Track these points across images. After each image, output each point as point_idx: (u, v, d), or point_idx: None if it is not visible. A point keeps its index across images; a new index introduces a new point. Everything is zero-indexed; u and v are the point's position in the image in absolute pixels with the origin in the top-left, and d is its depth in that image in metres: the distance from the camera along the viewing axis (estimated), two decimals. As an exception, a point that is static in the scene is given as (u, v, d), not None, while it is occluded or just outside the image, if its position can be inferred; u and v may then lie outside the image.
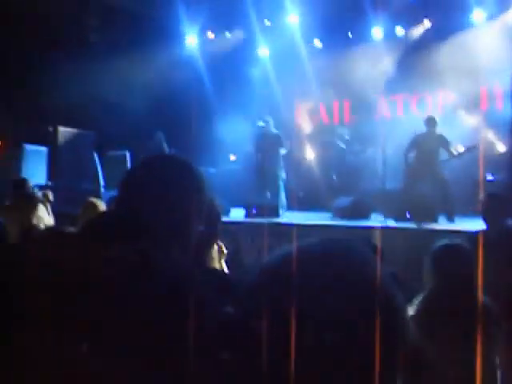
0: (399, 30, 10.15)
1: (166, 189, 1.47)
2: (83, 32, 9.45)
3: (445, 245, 3.18)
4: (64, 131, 9.40)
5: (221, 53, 10.83)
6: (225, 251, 3.12)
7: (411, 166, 7.94)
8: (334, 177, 9.46)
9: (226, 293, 1.41)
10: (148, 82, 9.67)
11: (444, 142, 7.77)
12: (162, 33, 9.63)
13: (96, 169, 9.26)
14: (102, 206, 4.35)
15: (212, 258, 2.87)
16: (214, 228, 2.29)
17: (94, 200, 4.48)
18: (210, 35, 10.81)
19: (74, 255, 1.28)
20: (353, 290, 0.86)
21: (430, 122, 7.95)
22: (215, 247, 2.91)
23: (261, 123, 9.37)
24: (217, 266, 2.96)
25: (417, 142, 7.96)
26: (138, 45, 9.26)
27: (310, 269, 0.86)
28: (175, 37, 10.29)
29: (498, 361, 3.32)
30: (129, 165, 9.23)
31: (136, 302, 1.18)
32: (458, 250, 3.19)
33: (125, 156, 9.46)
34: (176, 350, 1.18)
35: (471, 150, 7.57)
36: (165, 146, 9.57)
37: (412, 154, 8.02)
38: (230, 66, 10.84)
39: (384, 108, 10.46)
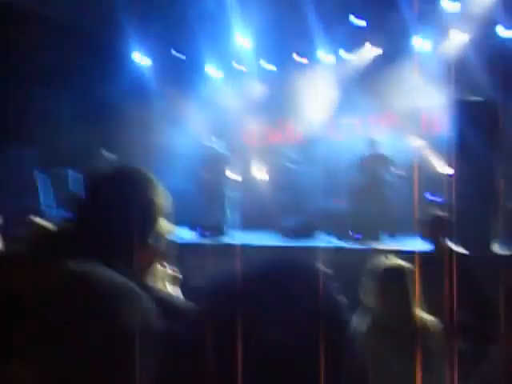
0: (344, 54, 10.36)
1: (130, 201, 1.43)
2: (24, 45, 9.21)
3: (385, 265, 3.22)
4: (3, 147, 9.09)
5: (169, 71, 10.77)
6: (179, 276, 2.99)
7: (356, 186, 8.12)
8: (283, 197, 9.50)
9: (173, 311, 1.41)
10: (93, 98, 9.50)
11: (387, 163, 8.00)
12: (107, 49, 9.51)
13: (37, 187, 8.99)
14: (48, 225, 4.16)
15: (158, 279, 2.75)
16: (163, 245, 2.24)
17: (39, 221, 4.27)
18: (159, 52, 10.75)
19: (24, 278, 1.25)
20: (302, 303, 0.87)
21: (373, 143, 8.20)
22: (165, 270, 2.79)
23: (208, 143, 9.37)
24: (164, 288, 2.84)
25: (360, 163, 8.18)
26: (84, 60, 9.10)
27: (261, 286, 0.88)
28: (122, 54, 10.18)
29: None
30: (70, 183, 9.00)
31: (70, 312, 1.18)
32: (402, 271, 3.23)
33: (67, 174, 9.23)
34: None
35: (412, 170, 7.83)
36: (112, 164, 9.40)
37: (356, 174, 8.22)
38: (177, 85, 10.80)
39: (332, 129, 10.64)
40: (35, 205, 8.65)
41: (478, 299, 4.03)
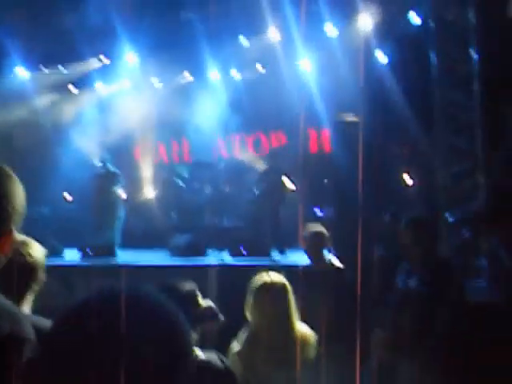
0: (234, 73, 10.56)
1: None
2: None
3: (258, 282, 3.32)
4: None
5: (54, 87, 10.43)
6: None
7: (254, 202, 8.34)
8: (173, 215, 9.48)
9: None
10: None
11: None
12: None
13: None
14: None
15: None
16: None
17: None
18: (44, 69, 10.38)
19: None
20: (144, 335, 0.89)
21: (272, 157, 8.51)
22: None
23: (98, 162, 9.18)
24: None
25: (260, 178, 8.44)
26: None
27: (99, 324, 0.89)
28: (2, 67, 9.68)
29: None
30: None
31: None
32: (274, 287, 3.33)
33: None
34: None
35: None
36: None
37: (257, 192, 8.46)
38: (64, 101, 10.50)
39: (222, 147, 10.79)
40: None
41: (352, 311, 4.25)
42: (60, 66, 10.25)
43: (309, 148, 10.30)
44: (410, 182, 8.08)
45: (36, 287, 2.45)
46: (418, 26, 8.02)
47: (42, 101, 10.22)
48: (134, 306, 0.93)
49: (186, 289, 2.64)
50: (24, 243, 2.45)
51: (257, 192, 8.45)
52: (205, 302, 2.76)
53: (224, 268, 6.67)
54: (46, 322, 2.23)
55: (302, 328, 3.39)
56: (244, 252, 7.44)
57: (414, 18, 8.05)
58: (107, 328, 0.89)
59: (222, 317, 2.86)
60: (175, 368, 0.91)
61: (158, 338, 0.91)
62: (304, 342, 3.36)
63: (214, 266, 6.63)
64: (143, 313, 0.93)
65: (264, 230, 8.21)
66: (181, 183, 10.05)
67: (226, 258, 7.42)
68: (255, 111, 10.19)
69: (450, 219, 6.09)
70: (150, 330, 0.91)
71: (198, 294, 2.66)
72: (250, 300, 3.33)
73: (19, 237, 2.44)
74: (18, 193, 1.54)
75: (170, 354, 0.90)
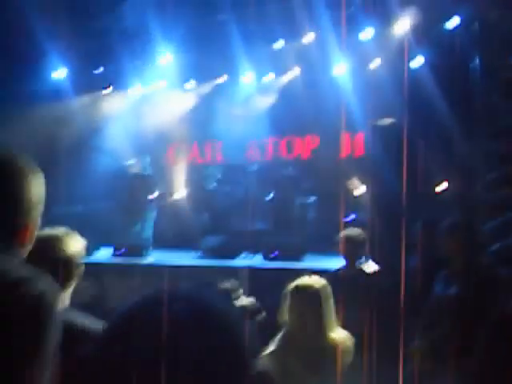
0: (269, 76, 10.51)
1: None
2: None
3: (296, 285, 3.32)
4: None
5: (90, 88, 10.54)
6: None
7: (274, 205, 8.32)
8: (205, 217, 9.48)
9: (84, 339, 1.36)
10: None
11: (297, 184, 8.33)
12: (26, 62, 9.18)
13: None
14: None
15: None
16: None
17: None
18: (81, 72, 10.51)
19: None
20: (205, 339, 0.88)
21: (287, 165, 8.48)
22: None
23: (132, 162, 9.27)
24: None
25: (277, 183, 8.44)
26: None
27: (163, 322, 0.88)
28: (40, 68, 9.85)
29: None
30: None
31: None
32: (308, 290, 3.33)
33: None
34: None
35: None
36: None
37: (274, 195, 8.45)
38: (100, 102, 10.60)
39: (254, 150, 10.75)
40: None
41: (387, 313, 4.16)
42: (97, 67, 10.37)
43: (341, 151, 10.17)
44: (445, 187, 7.88)
45: (72, 282, 2.41)
46: (459, 29, 7.84)
47: (79, 101, 10.33)
48: (194, 313, 0.90)
49: (224, 287, 2.61)
50: (59, 238, 2.40)
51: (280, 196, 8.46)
52: (247, 300, 2.74)
53: (257, 270, 6.64)
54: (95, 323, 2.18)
55: (338, 332, 3.35)
56: (276, 255, 7.39)
57: (454, 21, 7.88)
58: (165, 337, 0.89)
59: (263, 313, 2.84)
60: (234, 379, 0.87)
61: (217, 349, 0.88)
62: (339, 346, 3.31)
63: (247, 267, 6.61)
64: (202, 321, 0.89)
65: (295, 233, 8.15)
66: (213, 185, 10.05)
67: (259, 260, 7.38)
68: (289, 114, 10.12)
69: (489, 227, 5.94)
70: (208, 339, 0.89)
71: (240, 291, 2.62)
72: (285, 302, 3.33)
73: (53, 231, 2.41)
74: (35, 185, 1.47)
75: (229, 365, 0.88)
